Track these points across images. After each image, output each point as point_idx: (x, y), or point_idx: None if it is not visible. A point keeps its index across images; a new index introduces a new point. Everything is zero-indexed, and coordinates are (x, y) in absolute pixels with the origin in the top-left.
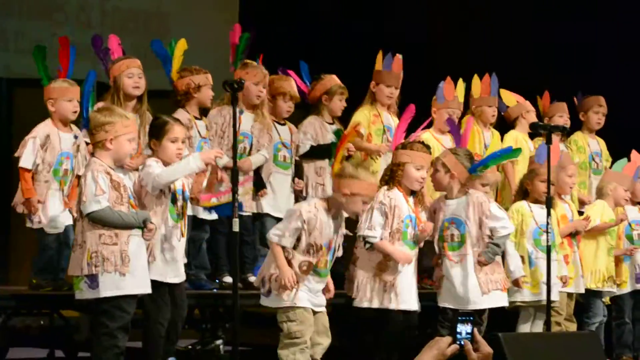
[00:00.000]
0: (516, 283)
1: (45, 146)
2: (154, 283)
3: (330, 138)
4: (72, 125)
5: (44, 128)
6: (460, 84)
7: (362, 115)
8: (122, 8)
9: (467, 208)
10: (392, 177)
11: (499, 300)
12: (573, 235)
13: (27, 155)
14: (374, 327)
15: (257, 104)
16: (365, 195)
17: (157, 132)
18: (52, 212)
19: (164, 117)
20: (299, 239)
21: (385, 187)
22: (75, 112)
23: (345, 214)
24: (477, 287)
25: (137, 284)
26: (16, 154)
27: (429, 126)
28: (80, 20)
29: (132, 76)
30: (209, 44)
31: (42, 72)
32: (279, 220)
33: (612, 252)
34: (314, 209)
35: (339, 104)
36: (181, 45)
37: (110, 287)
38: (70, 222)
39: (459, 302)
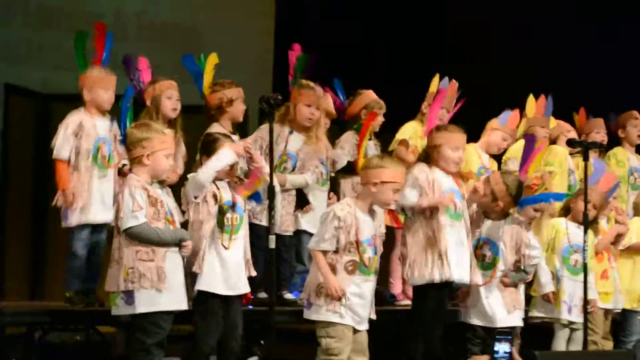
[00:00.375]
0: (547, 297)
1: (79, 134)
2: (202, 294)
3: (368, 154)
4: (107, 114)
5: (76, 116)
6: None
7: (411, 128)
8: (157, 22)
9: (506, 233)
10: (427, 159)
11: (519, 319)
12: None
13: (59, 144)
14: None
15: (308, 127)
16: (394, 182)
17: (208, 149)
18: (94, 198)
19: (215, 134)
20: (339, 242)
21: (421, 163)
22: (111, 102)
23: (380, 210)
24: (502, 307)
25: (173, 300)
26: (51, 146)
27: (465, 115)
28: (117, 34)
29: (171, 97)
30: (245, 57)
31: (80, 60)
32: None
33: None
34: (347, 207)
35: (378, 119)
36: (212, 60)
37: (146, 303)
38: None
39: (486, 320)
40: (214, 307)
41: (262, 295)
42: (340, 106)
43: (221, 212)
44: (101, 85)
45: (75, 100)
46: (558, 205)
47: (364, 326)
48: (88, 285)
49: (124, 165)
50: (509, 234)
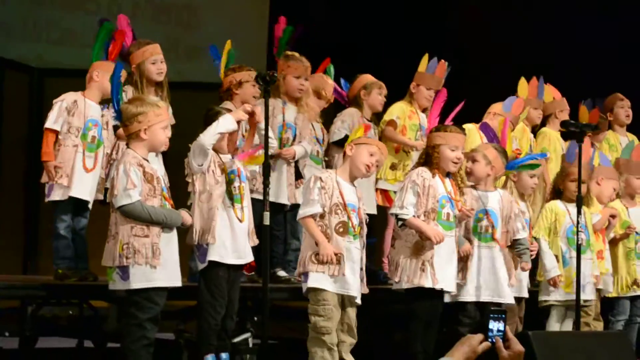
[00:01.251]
0: (553, 282)
1: (72, 111)
2: (211, 266)
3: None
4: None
5: (72, 95)
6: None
7: (399, 108)
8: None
9: (500, 202)
10: (427, 160)
11: (512, 297)
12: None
13: (52, 116)
14: (410, 308)
15: (299, 97)
16: (368, 143)
17: (209, 123)
18: (77, 174)
19: (217, 107)
20: (325, 205)
21: (421, 168)
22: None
23: (364, 187)
24: (506, 280)
25: (167, 276)
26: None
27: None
28: (112, 11)
29: (155, 62)
30: (240, 36)
31: (97, 49)
32: None
33: (633, 255)
34: (327, 173)
35: (378, 98)
36: (227, 46)
37: (140, 279)
38: (89, 199)
39: (488, 294)
40: (222, 277)
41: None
42: (343, 94)
43: (228, 183)
44: (110, 71)
45: (69, 76)
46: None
47: (354, 293)
48: (77, 263)
49: (116, 126)
50: (503, 203)
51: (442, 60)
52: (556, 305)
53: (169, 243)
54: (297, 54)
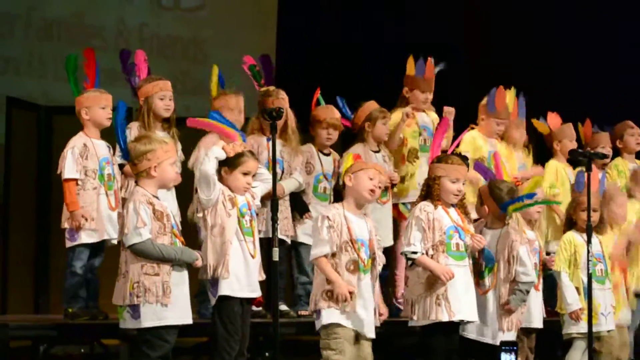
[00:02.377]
0: (575, 315)
1: (85, 154)
2: (224, 300)
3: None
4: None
5: (79, 139)
6: (510, 93)
7: (394, 117)
8: (160, 34)
9: (499, 244)
10: (429, 191)
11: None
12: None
13: (69, 165)
14: (427, 345)
15: (283, 129)
16: (364, 168)
17: (231, 162)
18: (105, 215)
19: (236, 145)
20: (335, 243)
21: (423, 202)
22: (109, 119)
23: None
24: (495, 323)
25: (178, 314)
26: (58, 171)
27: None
28: (118, 46)
29: (164, 98)
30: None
31: (72, 83)
32: None
33: None
34: (334, 209)
35: (382, 128)
36: (213, 71)
37: (151, 317)
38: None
39: (479, 332)
40: (236, 312)
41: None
42: (347, 121)
43: (239, 215)
44: (99, 104)
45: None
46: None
47: (368, 331)
48: (88, 302)
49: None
50: (501, 245)
51: (429, 59)
52: (579, 338)
53: (180, 281)
54: (271, 88)
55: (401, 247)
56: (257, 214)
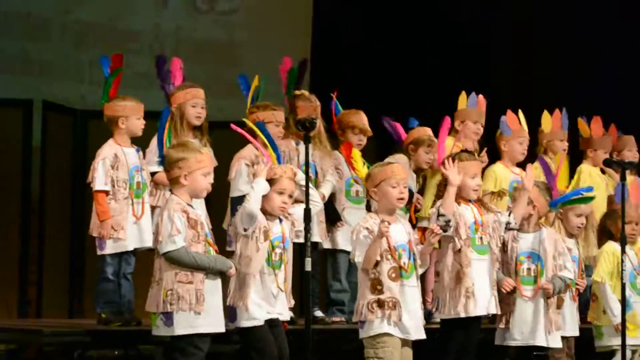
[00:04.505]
0: (618, 327)
1: (115, 165)
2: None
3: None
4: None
5: (109, 148)
6: (520, 113)
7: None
8: (195, 37)
9: (545, 242)
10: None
11: (558, 341)
12: None
13: (100, 177)
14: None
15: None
16: (390, 177)
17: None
18: (129, 225)
19: (274, 168)
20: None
21: (440, 202)
22: (142, 128)
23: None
24: (546, 325)
25: (211, 322)
26: (88, 180)
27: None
28: (154, 50)
29: (195, 106)
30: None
31: (107, 90)
32: None
33: None
34: (370, 218)
35: (424, 156)
36: (254, 82)
37: (184, 325)
38: (135, 246)
39: (527, 338)
40: (266, 333)
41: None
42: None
43: (270, 249)
44: (137, 114)
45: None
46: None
47: (416, 334)
48: (121, 307)
49: (153, 173)
50: (548, 243)
51: (481, 95)
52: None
53: (213, 289)
54: (305, 93)
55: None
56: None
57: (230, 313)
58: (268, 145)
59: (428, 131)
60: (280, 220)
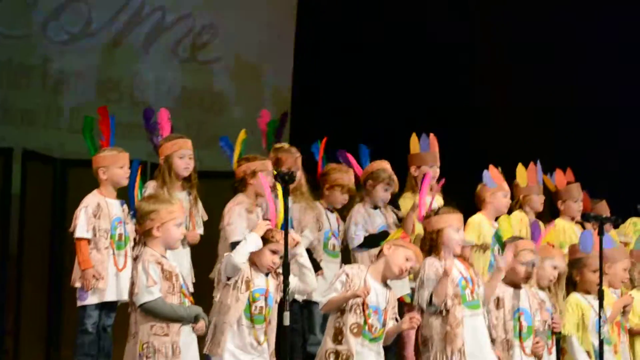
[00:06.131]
0: None
1: (97, 214)
2: None
3: (379, 224)
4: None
5: (93, 197)
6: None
7: (409, 203)
8: (176, 86)
9: (529, 299)
10: (432, 246)
11: None
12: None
13: (81, 225)
14: None
15: (295, 187)
16: (406, 247)
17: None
18: (110, 276)
19: (273, 230)
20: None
21: (428, 259)
22: (127, 177)
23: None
24: None
25: None
26: (70, 229)
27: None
28: (134, 99)
29: (183, 157)
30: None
31: (89, 143)
32: None
33: None
34: (357, 269)
35: (382, 194)
36: (241, 136)
37: None
38: (114, 298)
39: None
40: None
41: None
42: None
43: (250, 300)
44: (116, 163)
45: (91, 165)
46: None
47: None
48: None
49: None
50: (532, 298)
51: (432, 134)
52: None
53: (189, 341)
54: (285, 145)
55: (419, 303)
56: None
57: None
58: (281, 206)
59: (385, 165)
60: (267, 275)
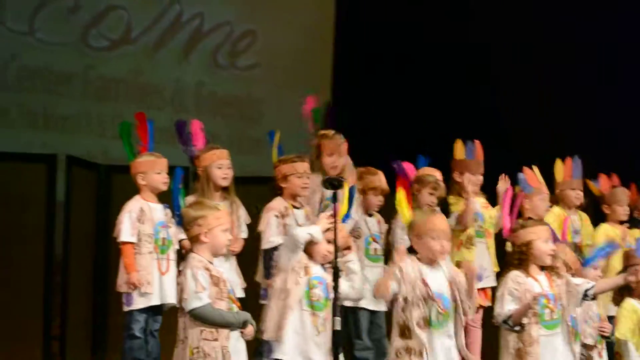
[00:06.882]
0: None
1: (141, 219)
2: None
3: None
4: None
5: (136, 202)
6: (535, 169)
7: (455, 208)
8: (217, 93)
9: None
10: (521, 259)
11: None
12: None
13: (125, 229)
14: None
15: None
16: (433, 230)
17: None
18: (155, 280)
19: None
20: (404, 294)
21: (514, 272)
22: (165, 183)
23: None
24: None
25: None
26: (114, 234)
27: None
28: (175, 104)
29: (221, 167)
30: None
31: (128, 148)
32: (373, 313)
33: None
34: (409, 261)
35: (427, 198)
36: (277, 136)
37: None
38: (165, 302)
39: None
40: None
41: None
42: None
43: (310, 286)
44: (154, 169)
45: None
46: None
47: None
48: None
49: (181, 240)
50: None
51: (477, 141)
52: None
53: (238, 345)
54: (330, 132)
55: (496, 318)
56: None
57: (267, 348)
58: (346, 201)
59: (435, 172)
60: (323, 267)
